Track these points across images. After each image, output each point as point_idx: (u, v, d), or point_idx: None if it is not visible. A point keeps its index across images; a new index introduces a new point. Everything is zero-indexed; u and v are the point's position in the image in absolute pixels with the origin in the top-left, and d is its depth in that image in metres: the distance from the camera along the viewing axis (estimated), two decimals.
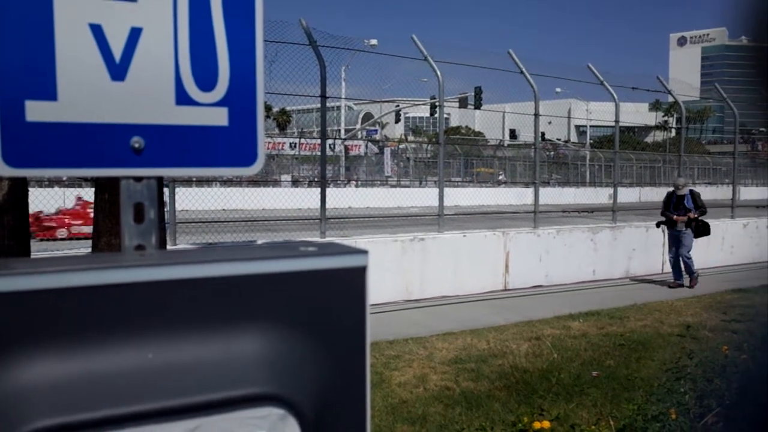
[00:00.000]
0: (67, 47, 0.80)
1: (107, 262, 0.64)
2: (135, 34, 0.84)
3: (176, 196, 8.17)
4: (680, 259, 10.14)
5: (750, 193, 29.16)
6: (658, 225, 10.55)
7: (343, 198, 13.66)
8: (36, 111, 0.79)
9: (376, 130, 52.65)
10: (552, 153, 38.99)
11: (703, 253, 12.69)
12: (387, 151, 33.51)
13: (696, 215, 10.08)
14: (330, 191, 9.49)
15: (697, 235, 10.12)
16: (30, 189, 3.62)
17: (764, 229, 13.88)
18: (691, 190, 10.32)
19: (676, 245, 10.15)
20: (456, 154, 33.96)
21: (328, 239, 8.52)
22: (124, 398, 0.59)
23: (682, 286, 10.08)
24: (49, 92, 0.79)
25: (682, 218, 10.10)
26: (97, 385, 0.59)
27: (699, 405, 3.10)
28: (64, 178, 17.05)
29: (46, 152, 0.80)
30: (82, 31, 0.80)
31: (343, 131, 37.21)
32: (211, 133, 0.90)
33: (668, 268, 12.06)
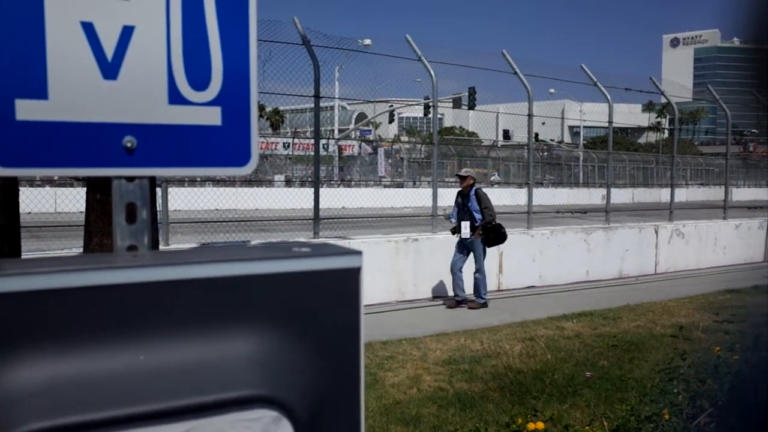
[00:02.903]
0: (58, 45, 0.79)
1: (99, 263, 0.64)
2: (127, 32, 0.83)
3: (169, 196, 8.14)
4: (471, 275, 8.42)
5: (742, 194, 29.32)
6: (452, 231, 8.61)
7: (336, 198, 13.65)
8: (26, 110, 0.78)
9: (369, 131, 52.64)
10: (545, 153, 39.08)
11: (695, 254, 12.78)
12: (381, 151, 33.49)
13: (480, 223, 8.26)
14: (323, 191, 9.48)
15: (488, 244, 8.38)
16: (21, 189, 3.60)
17: (756, 230, 13.98)
18: (476, 190, 8.43)
19: (475, 256, 8.38)
20: (450, 155, 33.98)
21: (321, 240, 8.51)
22: (116, 400, 0.58)
23: (484, 304, 8.41)
24: (39, 91, 0.79)
25: (476, 228, 8.27)
26: (89, 388, 0.59)
27: (692, 405, 3.11)
28: (56, 178, 16.97)
29: (37, 151, 0.80)
30: (73, 29, 0.80)
31: (336, 131, 37.17)
32: (204, 132, 0.89)
33: (661, 268, 12.15)
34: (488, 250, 8.51)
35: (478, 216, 8.27)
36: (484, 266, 8.41)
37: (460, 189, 8.55)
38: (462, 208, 8.40)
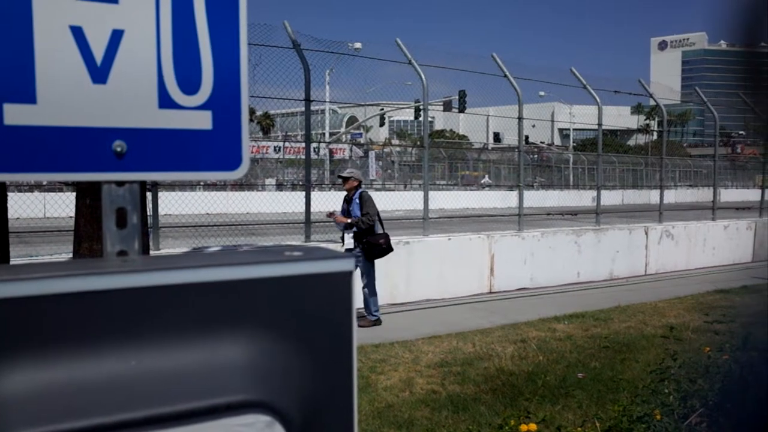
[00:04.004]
0: (47, 49, 0.78)
1: (89, 269, 0.63)
2: (116, 36, 0.82)
3: (159, 200, 8.10)
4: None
5: (730, 195, 29.58)
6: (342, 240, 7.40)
7: (327, 202, 13.62)
8: (15, 114, 0.77)
9: (360, 134, 52.65)
10: (536, 156, 39.26)
11: (684, 255, 12.86)
12: (372, 154, 33.52)
13: (353, 221, 7.09)
14: (315, 195, 9.47)
15: (367, 257, 7.21)
16: (9, 194, 3.57)
17: (744, 230, 14.09)
18: (361, 193, 7.27)
19: (360, 270, 7.24)
20: (441, 158, 34.08)
21: (313, 244, 8.49)
22: (107, 407, 0.58)
23: (376, 321, 7.39)
24: (28, 95, 0.78)
25: (343, 219, 7.17)
26: (79, 394, 0.58)
27: (683, 405, 3.13)
28: (45, 183, 16.86)
29: (26, 156, 0.79)
30: (62, 33, 0.79)
31: (327, 135, 37.15)
32: (195, 136, 0.89)
33: (651, 269, 12.23)
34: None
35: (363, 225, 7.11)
36: (374, 281, 7.38)
37: (345, 193, 7.45)
38: (346, 215, 7.28)
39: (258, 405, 0.63)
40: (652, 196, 24.26)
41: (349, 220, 7.17)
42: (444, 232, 10.28)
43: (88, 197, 4.03)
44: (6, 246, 3.33)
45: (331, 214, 7.32)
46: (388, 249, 7.34)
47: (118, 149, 0.84)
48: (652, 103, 14.84)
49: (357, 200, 7.24)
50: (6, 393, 0.56)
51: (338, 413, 0.73)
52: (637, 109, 75.61)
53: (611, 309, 8.42)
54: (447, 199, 21.63)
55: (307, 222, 8.76)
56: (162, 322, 0.64)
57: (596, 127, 12.76)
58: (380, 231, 7.34)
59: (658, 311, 8.31)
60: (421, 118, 12.45)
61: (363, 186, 7.59)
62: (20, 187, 17.15)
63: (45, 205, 14.37)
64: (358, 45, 12.05)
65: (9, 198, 3.44)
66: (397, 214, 13.79)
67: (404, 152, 35.99)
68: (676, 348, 3.99)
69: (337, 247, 6.93)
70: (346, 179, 7.42)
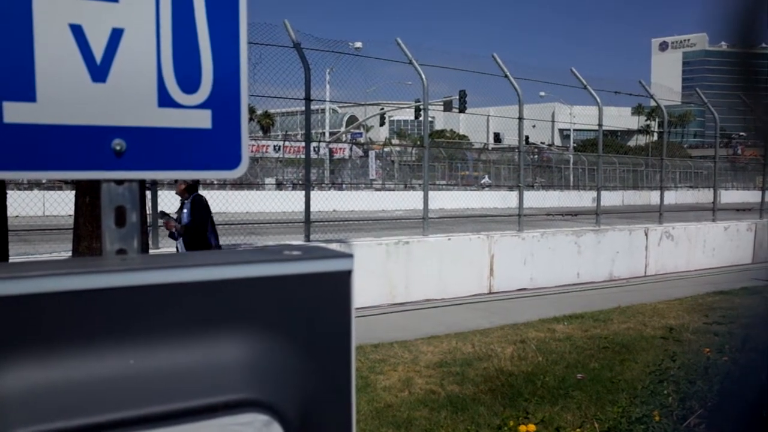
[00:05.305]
0: (47, 48, 0.78)
1: (88, 267, 0.63)
2: (116, 34, 0.82)
3: (158, 199, 8.10)
4: None
5: (730, 196, 29.55)
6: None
7: (327, 201, 13.64)
8: (14, 112, 0.77)
9: (360, 133, 52.64)
10: (536, 156, 39.26)
11: (684, 256, 12.86)
12: (372, 154, 33.53)
13: (178, 228, 6.11)
14: (314, 194, 9.47)
15: None
16: (8, 192, 3.57)
17: (744, 231, 14.09)
18: (194, 197, 6.23)
19: None
20: (441, 158, 34.09)
21: (313, 243, 8.49)
22: (105, 406, 0.58)
23: None
24: (27, 93, 0.78)
25: (171, 225, 6.16)
26: (77, 393, 0.58)
27: (682, 407, 3.13)
28: (44, 181, 16.85)
29: (25, 154, 0.79)
30: (62, 31, 0.79)
31: (327, 134, 37.13)
32: (195, 135, 0.89)
33: (651, 270, 12.22)
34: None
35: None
36: None
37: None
38: (180, 222, 6.30)
39: (256, 404, 0.63)
40: (652, 197, 24.27)
41: (174, 227, 6.19)
42: (444, 232, 10.28)
43: (87, 196, 4.04)
44: (5, 244, 3.34)
45: (162, 215, 6.37)
46: None
47: (118, 148, 0.84)
48: (652, 103, 14.85)
49: (189, 203, 6.24)
50: (4, 391, 0.56)
51: (336, 413, 0.73)
52: (637, 110, 75.69)
53: (611, 310, 8.42)
54: (447, 199, 21.65)
55: (307, 221, 8.76)
56: (160, 320, 0.64)
57: (597, 127, 12.76)
58: (213, 242, 6.37)
59: (657, 312, 8.30)
60: (421, 118, 12.45)
61: (200, 189, 6.54)
62: (20, 185, 17.15)
63: (44, 204, 14.35)
64: (358, 44, 12.04)
65: (8, 196, 3.45)
66: (397, 214, 13.79)
67: (404, 152, 35.99)
68: (676, 349, 4.00)
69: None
70: (176, 181, 6.33)
